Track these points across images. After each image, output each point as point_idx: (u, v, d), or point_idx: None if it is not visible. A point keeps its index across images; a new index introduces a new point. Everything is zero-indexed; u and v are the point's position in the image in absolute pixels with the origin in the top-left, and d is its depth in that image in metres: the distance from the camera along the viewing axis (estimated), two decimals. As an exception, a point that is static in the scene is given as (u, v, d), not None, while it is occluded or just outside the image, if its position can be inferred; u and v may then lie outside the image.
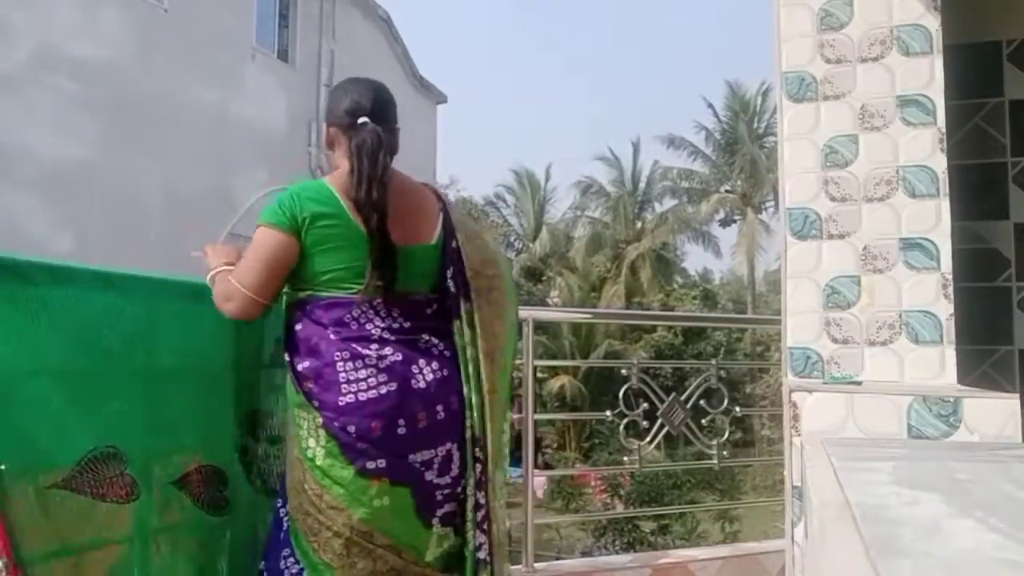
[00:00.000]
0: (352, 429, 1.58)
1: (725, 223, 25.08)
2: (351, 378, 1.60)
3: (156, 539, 1.55)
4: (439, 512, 1.67)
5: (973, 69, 2.18)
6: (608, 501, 11.13)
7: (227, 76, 9.43)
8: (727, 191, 24.55)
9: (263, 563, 1.66)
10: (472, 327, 1.72)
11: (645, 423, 3.18)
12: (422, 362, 1.66)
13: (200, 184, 8.88)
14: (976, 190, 2.16)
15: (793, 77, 2.10)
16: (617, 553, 8.31)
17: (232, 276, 1.64)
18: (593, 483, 11.96)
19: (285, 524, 1.66)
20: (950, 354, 1.91)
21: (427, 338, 1.70)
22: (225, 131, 9.32)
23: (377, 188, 1.61)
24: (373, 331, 1.65)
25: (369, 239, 1.61)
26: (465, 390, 1.70)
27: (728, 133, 24.48)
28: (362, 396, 1.59)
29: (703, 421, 3.39)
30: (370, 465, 1.58)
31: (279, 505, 1.69)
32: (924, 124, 1.98)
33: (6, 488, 1.29)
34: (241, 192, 9.41)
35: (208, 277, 1.73)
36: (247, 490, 1.77)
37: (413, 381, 1.64)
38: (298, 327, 1.67)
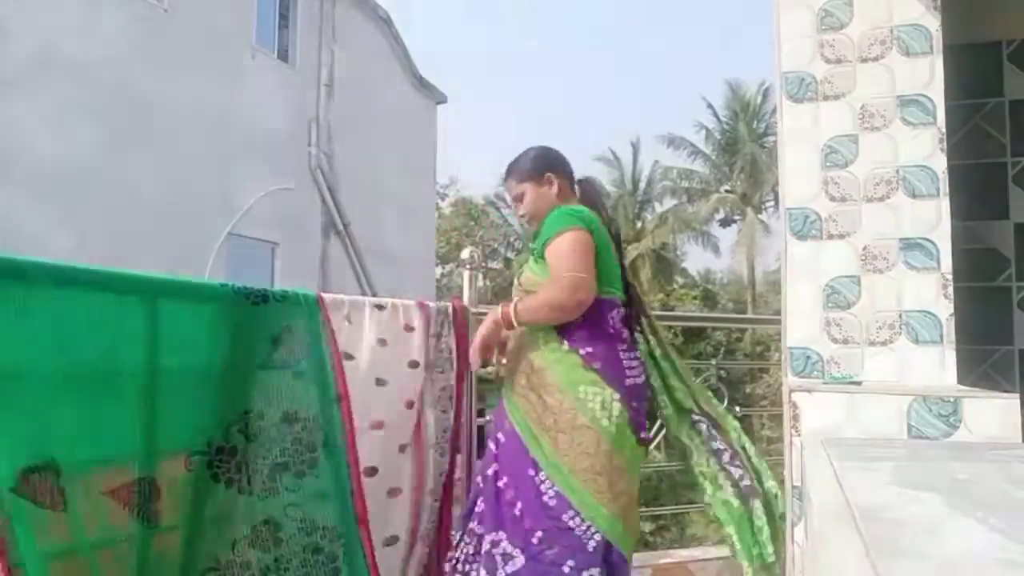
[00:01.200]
0: (635, 405, 2.01)
1: (725, 223, 25.09)
2: (628, 364, 2.04)
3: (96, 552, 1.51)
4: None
5: (973, 69, 2.18)
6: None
7: (227, 76, 9.42)
8: (727, 191, 24.55)
9: (539, 532, 1.91)
10: (651, 332, 2.28)
11: (645, 423, 3.19)
12: (636, 362, 2.13)
13: (200, 184, 8.88)
14: (976, 190, 2.16)
15: (793, 77, 2.10)
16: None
17: (564, 266, 1.96)
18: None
19: (551, 491, 1.93)
20: (950, 354, 1.91)
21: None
22: (225, 131, 9.31)
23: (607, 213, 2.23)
24: (622, 329, 2.09)
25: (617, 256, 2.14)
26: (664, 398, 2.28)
27: (728, 133, 24.48)
28: (635, 380, 2.04)
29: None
30: (643, 435, 2.04)
31: (541, 480, 1.94)
32: (924, 124, 1.98)
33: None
34: (241, 192, 9.41)
35: (512, 319, 2.05)
36: (214, 489, 1.74)
37: (646, 373, 2.15)
38: (583, 317, 2.00)
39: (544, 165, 2.23)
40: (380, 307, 2.21)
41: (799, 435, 1.80)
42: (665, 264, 23.90)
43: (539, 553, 1.90)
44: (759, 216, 23.63)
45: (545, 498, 1.93)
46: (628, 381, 2.01)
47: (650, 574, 2.94)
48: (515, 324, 2.04)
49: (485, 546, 2.03)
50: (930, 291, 1.94)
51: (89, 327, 1.49)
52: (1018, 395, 1.66)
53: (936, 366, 1.92)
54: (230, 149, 9.37)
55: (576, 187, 2.27)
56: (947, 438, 1.67)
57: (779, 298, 2.12)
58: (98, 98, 7.85)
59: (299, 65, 10.75)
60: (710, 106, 24.54)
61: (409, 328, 2.27)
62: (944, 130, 1.97)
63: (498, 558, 1.96)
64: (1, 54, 7.05)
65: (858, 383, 1.91)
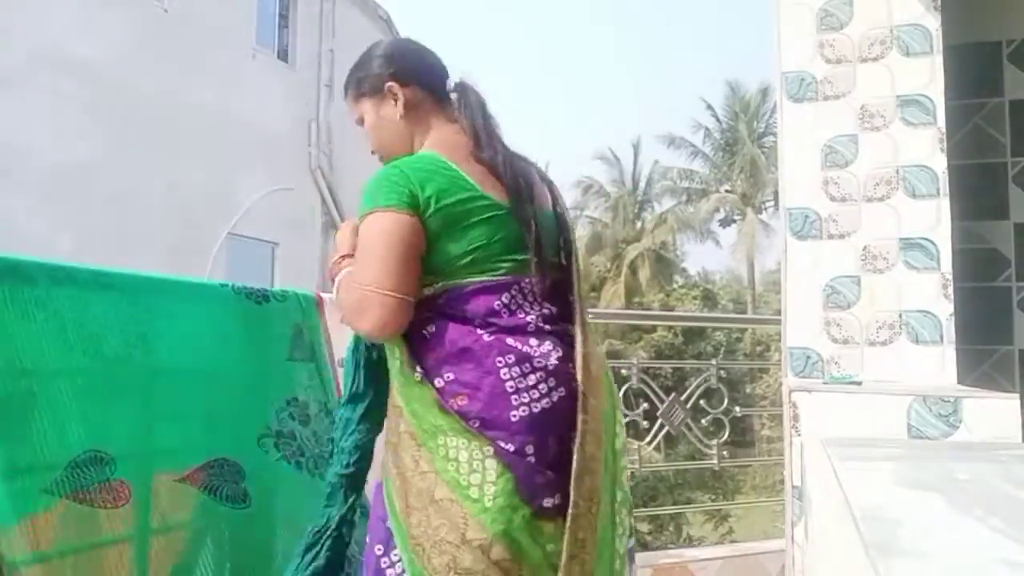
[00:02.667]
0: (532, 451, 1.22)
1: (725, 223, 25.10)
2: (516, 386, 1.25)
3: (162, 537, 1.54)
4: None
5: (973, 69, 2.18)
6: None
7: (227, 76, 9.42)
8: (727, 191, 24.56)
9: None
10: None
11: (645, 423, 3.19)
12: (570, 364, 1.30)
13: (200, 184, 8.88)
14: (976, 190, 2.16)
15: (793, 77, 2.10)
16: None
17: (356, 281, 1.30)
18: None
19: None
20: (950, 354, 1.91)
21: (567, 327, 1.34)
22: (225, 131, 9.31)
23: (502, 146, 1.38)
24: (529, 321, 1.30)
25: (512, 206, 1.33)
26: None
27: (728, 133, 24.49)
28: (536, 407, 1.24)
29: (703, 421, 3.39)
30: (546, 503, 1.22)
31: (379, 553, 1.28)
32: (924, 124, 1.98)
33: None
34: (241, 192, 9.41)
35: (335, 283, 1.45)
36: (288, 474, 1.77)
37: (572, 382, 1.27)
38: (430, 330, 1.30)
39: (383, 70, 1.47)
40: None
41: (799, 435, 1.80)
42: (665, 264, 23.91)
43: None
44: (759, 216, 23.64)
45: None
46: (517, 414, 1.23)
47: (650, 574, 2.94)
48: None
49: None
50: (930, 291, 1.94)
51: (88, 327, 1.50)
52: (1018, 395, 1.66)
53: (936, 366, 1.92)
54: (230, 149, 9.37)
55: (449, 99, 1.50)
56: (947, 438, 1.67)
57: (779, 298, 2.11)
58: (98, 98, 7.85)
59: (299, 65, 10.75)
60: (710, 106, 24.58)
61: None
62: (944, 130, 1.97)
63: None
64: (1, 54, 7.05)
65: (858, 383, 1.91)
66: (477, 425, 1.23)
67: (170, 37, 8.62)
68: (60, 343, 1.45)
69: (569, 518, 1.20)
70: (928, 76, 1.99)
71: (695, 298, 22.61)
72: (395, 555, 1.25)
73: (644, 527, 10.18)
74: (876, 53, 2.04)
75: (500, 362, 1.26)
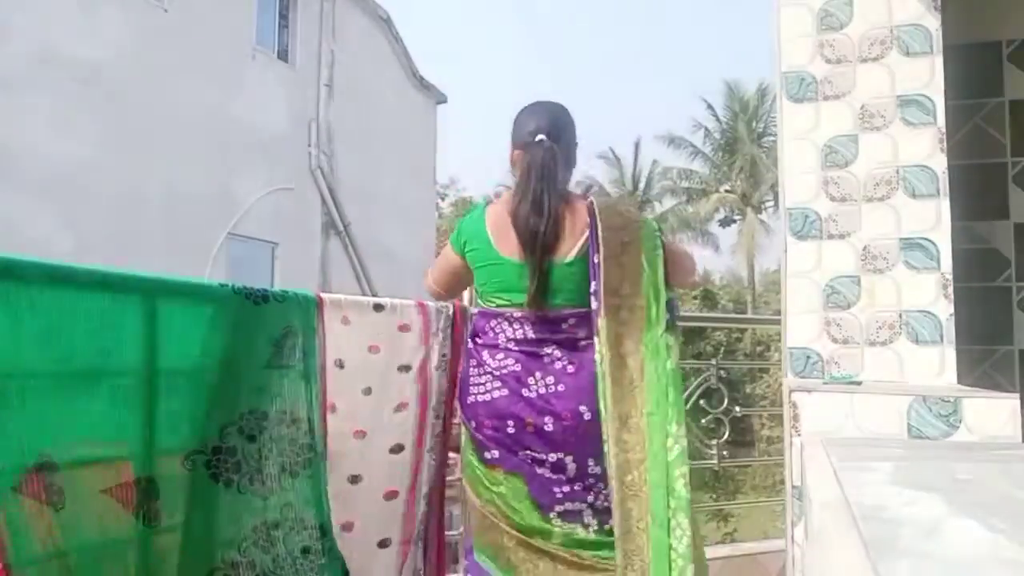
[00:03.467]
0: (474, 424, 1.84)
1: (725, 223, 25.10)
2: (474, 381, 1.85)
3: (85, 554, 1.47)
4: (557, 508, 1.75)
5: (973, 69, 2.18)
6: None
7: (227, 76, 9.41)
8: (727, 191, 24.56)
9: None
10: (603, 343, 1.71)
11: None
12: (538, 374, 1.77)
13: (200, 184, 8.88)
14: (976, 190, 2.16)
15: (793, 77, 2.10)
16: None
17: (430, 271, 2.11)
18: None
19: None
20: (950, 354, 1.91)
21: (550, 351, 1.78)
22: (225, 131, 9.31)
23: (529, 206, 1.76)
24: (500, 341, 1.83)
25: (525, 257, 1.77)
26: (600, 405, 1.70)
27: (728, 133, 24.50)
28: (480, 398, 1.82)
29: (703, 421, 3.39)
30: (487, 456, 1.81)
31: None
32: (924, 124, 1.98)
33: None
34: (241, 192, 9.41)
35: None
36: (211, 492, 1.73)
37: (524, 390, 1.77)
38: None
39: (514, 133, 1.93)
40: (379, 307, 2.21)
41: (799, 435, 1.80)
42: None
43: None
44: (759, 216, 23.64)
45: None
46: (470, 398, 1.86)
47: (650, 574, 2.93)
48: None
49: None
50: (930, 291, 1.94)
51: (88, 327, 1.49)
52: (1018, 395, 1.66)
53: (936, 366, 1.92)
54: (230, 149, 9.37)
55: (525, 150, 1.86)
56: (947, 438, 1.67)
57: (779, 298, 2.11)
58: (98, 98, 7.85)
59: (299, 65, 10.74)
60: (710, 106, 24.59)
61: (404, 328, 2.26)
62: (944, 130, 1.97)
63: None
64: (1, 54, 7.05)
65: (858, 383, 1.91)
66: (457, 401, 1.97)
67: (170, 37, 8.61)
68: (58, 342, 1.44)
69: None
70: (928, 76, 1.99)
71: (695, 298, 22.60)
72: None
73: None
74: (876, 53, 2.04)
75: (472, 362, 1.90)
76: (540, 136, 1.82)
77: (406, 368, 2.25)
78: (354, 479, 2.11)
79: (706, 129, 24.46)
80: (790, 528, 1.88)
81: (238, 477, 1.75)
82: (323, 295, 2.05)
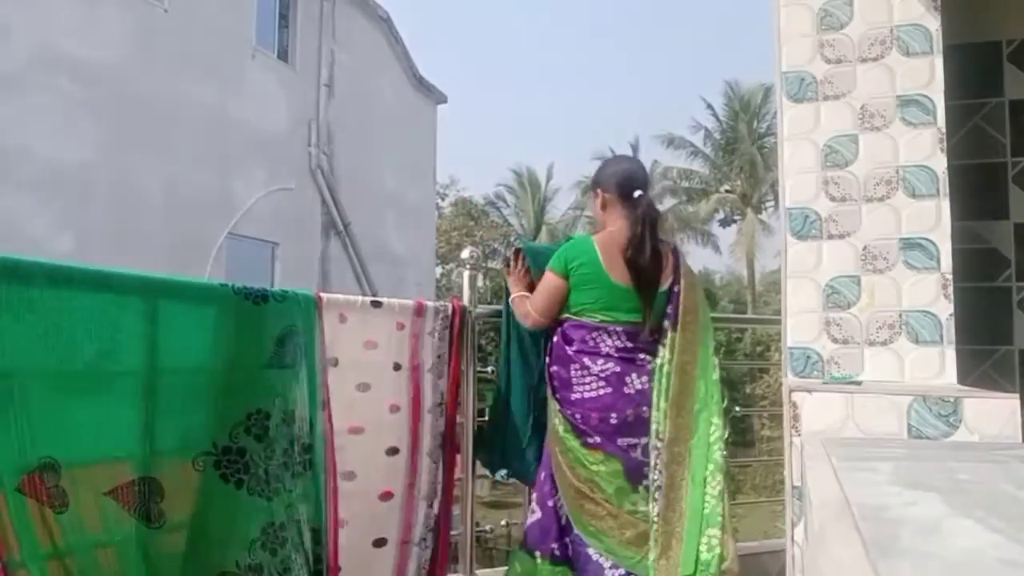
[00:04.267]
0: (579, 416, 2.25)
1: (725, 223, 25.10)
2: (578, 382, 2.27)
3: (90, 553, 1.46)
4: (644, 482, 2.24)
5: (973, 69, 2.18)
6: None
7: (227, 76, 9.41)
8: (727, 191, 24.56)
9: (536, 500, 2.35)
10: (671, 350, 2.27)
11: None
12: (634, 375, 2.27)
13: (200, 184, 8.87)
14: (976, 190, 2.16)
15: (793, 77, 2.10)
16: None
17: (529, 303, 2.38)
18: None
19: (549, 479, 2.32)
20: (950, 354, 1.91)
21: (642, 356, 2.29)
22: (225, 131, 9.30)
23: (647, 250, 2.26)
24: (603, 348, 2.28)
25: (636, 286, 2.27)
26: (653, 397, 2.26)
27: (728, 133, 24.49)
28: (587, 395, 2.26)
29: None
30: (589, 440, 2.24)
31: (541, 469, 2.36)
32: (924, 124, 1.98)
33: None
34: (241, 192, 9.41)
35: (511, 299, 2.46)
36: (221, 492, 1.72)
37: (625, 388, 2.26)
38: (555, 339, 2.35)
39: (595, 179, 2.49)
40: (377, 304, 2.22)
41: (799, 435, 1.80)
42: (665, 264, 23.85)
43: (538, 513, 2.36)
44: (759, 216, 23.64)
45: (546, 484, 2.35)
46: (575, 395, 2.27)
47: (650, 574, 2.93)
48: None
49: None
50: (930, 291, 1.94)
51: (89, 327, 1.49)
52: (1018, 395, 1.66)
53: (936, 366, 1.92)
54: (230, 149, 9.37)
55: (626, 201, 2.35)
56: (947, 438, 1.67)
57: (779, 298, 2.12)
58: (98, 98, 7.85)
59: (299, 65, 10.74)
60: (710, 106, 24.59)
61: (401, 327, 2.26)
62: (944, 130, 1.97)
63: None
64: (1, 54, 7.05)
65: (858, 383, 1.91)
66: (558, 397, 2.32)
67: (170, 37, 8.61)
68: (60, 343, 1.44)
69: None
70: (928, 76, 1.99)
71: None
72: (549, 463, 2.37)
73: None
74: (876, 53, 2.04)
75: (572, 366, 2.29)
76: (639, 192, 2.33)
77: (398, 367, 2.25)
78: (348, 476, 2.11)
79: (706, 129, 24.47)
80: (790, 528, 1.88)
81: (248, 478, 1.75)
82: (322, 294, 2.05)
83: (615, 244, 2.29)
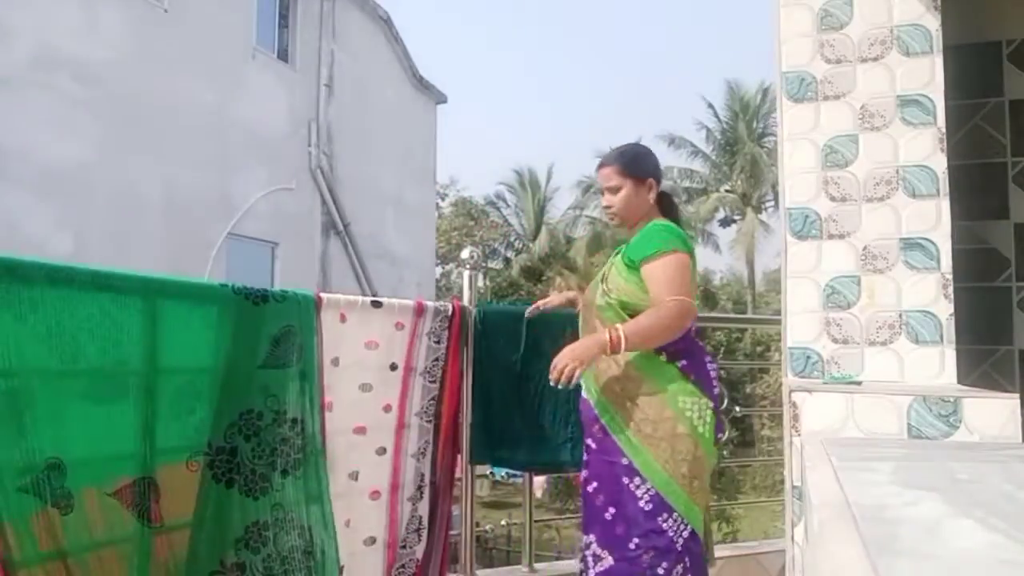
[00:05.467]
0: (718, 411, 2.13)
1: (725, 223, 25.09)
2: (714, 374, 2.14)
3: (94, 553, 1.46)
4: None
5: (973, 69, 2.18)
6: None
7: (227, 76, 9.41)
8: (727, 191, 24.55)
9: (635, 539, 2.01)
10: None
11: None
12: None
13: (200, 184, 8.87)
14: (976, 190, 2.16)
15: (793, 77, 2.10)
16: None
17: (667, 291, 2.01)
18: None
19: (647, 496, 2.01)
20: (950, 354, 1.91)
21: None
22: (225, 131, 9.30)
23: None
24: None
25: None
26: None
27: (728, 132, 24.48)
28: (716, 390, 2.13)
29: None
30: (719, 435, 2.13)
31: (637, 485, 2.02)
32: (924, 124, 1.98)
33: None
34: (241, 192, 9.40)
35: (622, 346, 1.98)
36: (213, 492, 1.72)
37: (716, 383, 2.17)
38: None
39: (651, 168, 2.21)
40: (377, 304, 2.22)
41: (799, 435, 1.80)
42: (665, 264, 23.83)
43: (636, 557, 2.01)
44: (759, 216, 23.63)
45: (641, 503, 2.01)
46: (715, 390, 2.12)
47: (650, 574, 2.93)
48: (623, 350, 1.98)
49: (582, 545, 2.18)
50: (930, 291, 1.94)
51: (90, 327, 1.49)
52: (1018, 395, 1.66)
53: (936, 366, 1.92)
54: (230, 149, 9.37)
55: (664, 196, 2.24)
56: (947, 438, 1.67)
57: (779, 298, 2.11)
58: (98, 98, 7.85)
59: (299, 65, 10.74)
60: (710, 106, 24.58)
61: (400, 326, 2.26)
62: (944, 130, 1.97)
63: (589, 559, 2.11)
64: (1, 54, 7.05)
65: (858, 383, 1.91)
66: (702, 390, 2.06)
67: (170, 37, 8.61)
68: (60, 343, 1.44)
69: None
70: (928, 76, 1.99)
71: (695, 298, 22.57)
72: (638, 480, 2.02)
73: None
74: (876, 53, 2.04)
75: (705, 358, 2.15)
76: (663, 190, 2.25)
77: (395, 367, 2.25)
78: (353, 476, 2.11)
79: (707, 129, 24.46)
80: (790, 528, 1.88)
81: (238, 477, 1.75)
82: (322, 294, 2.05)
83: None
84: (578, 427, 2.34)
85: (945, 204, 1.95)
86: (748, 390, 15.52)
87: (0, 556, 1.32)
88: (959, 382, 1.90)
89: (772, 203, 23.12)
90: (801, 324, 2.04)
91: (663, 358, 2.06)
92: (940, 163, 1.96)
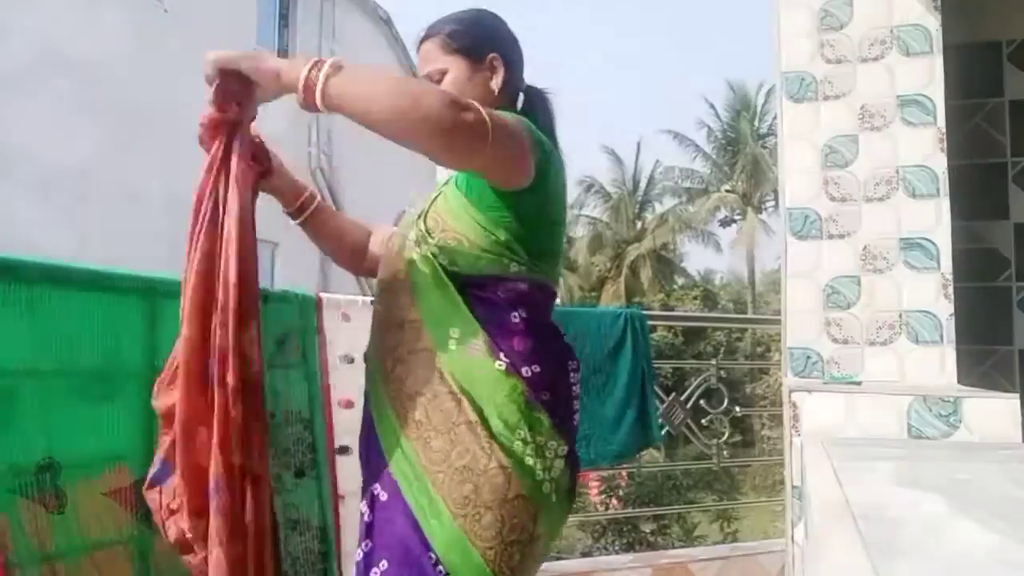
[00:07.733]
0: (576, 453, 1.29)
1: (725, 223, 25.09)
2: (575, 394, 1.30)
3: (95, 553, 1.45)
4: None
5: (973, 69, 2.18)
6: (605, 501, 11.11)
7: (227, 76, 9.40)
8: (728, 191, 24.55)
9: None
10: None
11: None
12: None
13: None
14: (976, 190, 2.16)
15: (793, 77, 2.10)
16: (617, 553, 8.30)
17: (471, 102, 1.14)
18: (590, 484, 11.95)
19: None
20: (950, 354, 1.91)
21: None
22: (225, 131, 9.30)
23: None
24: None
25: None
26: None
27: (729, 132, 24.48)
28: (576, 416, 1.31)
29: (703, 421, 3.40)
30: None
31: (430, 563, 1.18)
32: (924, 124, 1.98)
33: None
34: (241, 192, 9.38)
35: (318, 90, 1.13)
36: None
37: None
38: (519, 314, 1.23)
39: (491, 40, 1.42)
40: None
41: (799, 435, 1.80)
42: (665, 264, 23.90)
43: None
44: (759, 216, 23.63)
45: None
46: (576, 419, 1.31)
47: (650, 574, 2.94)
48: (318, 101, 1.13)
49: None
50: (930, 291, 1.94)
51: (90, 327, 1.49)
52: (1018, 395, 1.66)
53: (936, 366, 1.92)
54: (230, 149, 9.35)
55: (519, 95, 1.46)
56: (947, 438, 1.67)
57: (779, 298, 2.12)
58: (98, 98, 7.84)
59: (299, 65, 10.72)
60: (711, 106, 24.58)
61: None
62: (944, 130, 1.97)
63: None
64: (1, 54, 7.05)
65: (858, 383, 1.91)
66: (557, 423, 1.21)
67: (170, 37, 8.60)
68: (60, 343, 1.44)
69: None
70: (928, 76, 1.99)
71: (695, 298, 22.59)
72: (441, 568, 1.16)
73: (648, 527, 10.14)
74: (876, 53, 2.04)
75: (571, 366, 1.29)
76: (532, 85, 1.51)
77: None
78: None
79: (708, 128, 24.46)
80: (790, 528, 1.88)
81: None
82: (322, 295, 2.05)
83: None
84: (587, 424, 2.19)
85: (945, 204, 1.95)
86: (748, 390, 15.52)
87: (0, 557, 1.32)
88: (959, 382, 1.90)
89: (773, 203, 23.12)
90: (801, 324, 2.04)
91: (499, 363, 1.21)
92: (940, 163, 1.96)
